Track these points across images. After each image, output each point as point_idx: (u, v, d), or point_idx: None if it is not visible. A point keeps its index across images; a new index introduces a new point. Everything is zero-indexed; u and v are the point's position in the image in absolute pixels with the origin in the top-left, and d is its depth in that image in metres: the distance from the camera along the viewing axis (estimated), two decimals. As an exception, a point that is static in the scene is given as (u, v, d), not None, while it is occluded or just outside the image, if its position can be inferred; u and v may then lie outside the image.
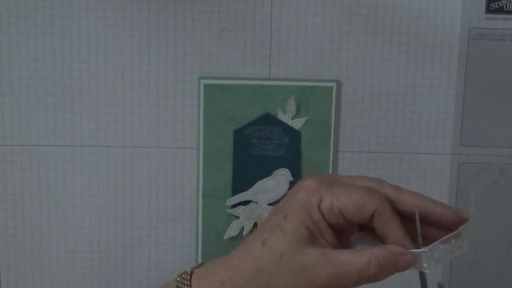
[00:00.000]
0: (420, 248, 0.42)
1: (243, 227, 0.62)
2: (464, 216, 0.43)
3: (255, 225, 0.62)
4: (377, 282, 0.42)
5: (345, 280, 0.41)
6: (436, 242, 0.42)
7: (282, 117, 0.62)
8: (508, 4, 0.60)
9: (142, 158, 0.62)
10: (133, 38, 0.61)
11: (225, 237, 0.63)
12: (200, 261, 0.63)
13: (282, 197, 0.61)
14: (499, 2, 0.60)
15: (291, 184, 0.62)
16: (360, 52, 0.61)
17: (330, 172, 0.62)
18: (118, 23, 0.60)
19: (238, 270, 0.43)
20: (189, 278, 0.45)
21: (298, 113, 0.61)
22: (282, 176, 0.62)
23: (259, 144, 0.62)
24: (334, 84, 0.61)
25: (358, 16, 0.60)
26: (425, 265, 0.42)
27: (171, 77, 0.61)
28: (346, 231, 0.44)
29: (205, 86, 0.61)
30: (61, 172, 0.62)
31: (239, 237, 0.63)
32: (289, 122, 0.62)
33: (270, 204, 0.62)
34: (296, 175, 0.62)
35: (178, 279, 0.46)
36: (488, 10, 0.60)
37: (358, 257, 0.41)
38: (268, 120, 0.62)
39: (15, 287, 0.64)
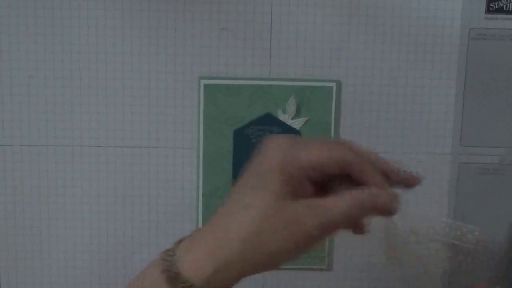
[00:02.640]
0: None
1: (243, 227, 0.62)
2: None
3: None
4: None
5: (334, 225, 0.42)
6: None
7: (282, 117, 0.62)
8: (508, 4, 0.60)
9: (142, 158, 0.62)
10: (133, 38, 0.61)
11: (225, 237, 0.63)
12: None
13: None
14: (499, 2, 0.60)
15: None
16: (360, 52, 0.61)
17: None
18: (118, 23, 0.60)
19: (226, 238, 0.41)
20: (172, 254, 0.43)
21: (298, 113, 0.61)
22: (282, 176, 0.62)
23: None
24: (334, 84, 0.61)
25: (358, 16, 0.60)
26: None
27: (171, 77, 0.61)
28: (321, 181, 0.44)
29: (205, 86, 0.61)
30: (61, 172, 0.62)
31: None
32: (289, 122, 0.62)
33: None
34: (296, 175, 0.62)
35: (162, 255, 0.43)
36: (488, 10, 0.60)
37: (341, 200, 0.42)
38: (268, 120, 0.62)
39: (15, 287, 0.64)
